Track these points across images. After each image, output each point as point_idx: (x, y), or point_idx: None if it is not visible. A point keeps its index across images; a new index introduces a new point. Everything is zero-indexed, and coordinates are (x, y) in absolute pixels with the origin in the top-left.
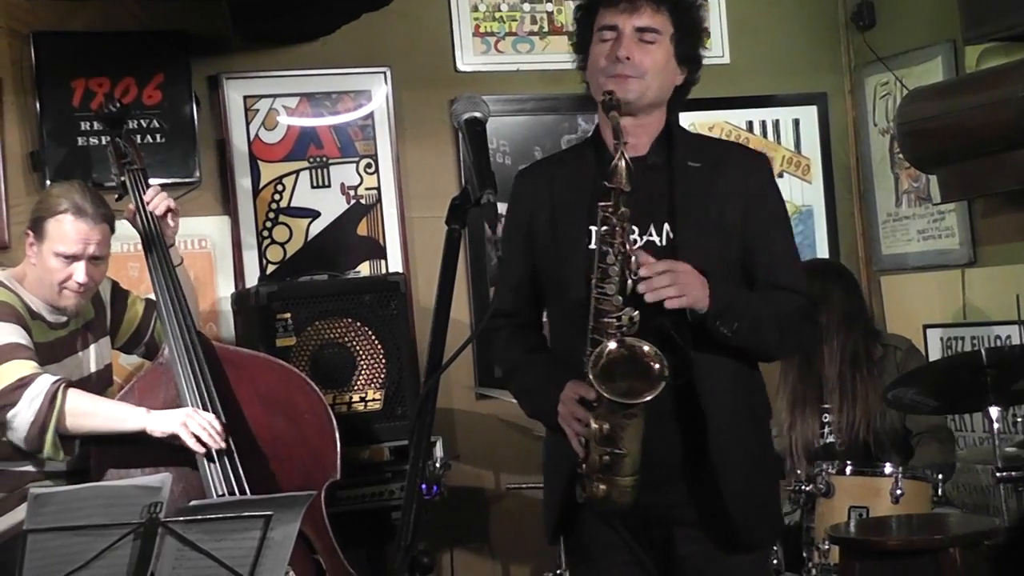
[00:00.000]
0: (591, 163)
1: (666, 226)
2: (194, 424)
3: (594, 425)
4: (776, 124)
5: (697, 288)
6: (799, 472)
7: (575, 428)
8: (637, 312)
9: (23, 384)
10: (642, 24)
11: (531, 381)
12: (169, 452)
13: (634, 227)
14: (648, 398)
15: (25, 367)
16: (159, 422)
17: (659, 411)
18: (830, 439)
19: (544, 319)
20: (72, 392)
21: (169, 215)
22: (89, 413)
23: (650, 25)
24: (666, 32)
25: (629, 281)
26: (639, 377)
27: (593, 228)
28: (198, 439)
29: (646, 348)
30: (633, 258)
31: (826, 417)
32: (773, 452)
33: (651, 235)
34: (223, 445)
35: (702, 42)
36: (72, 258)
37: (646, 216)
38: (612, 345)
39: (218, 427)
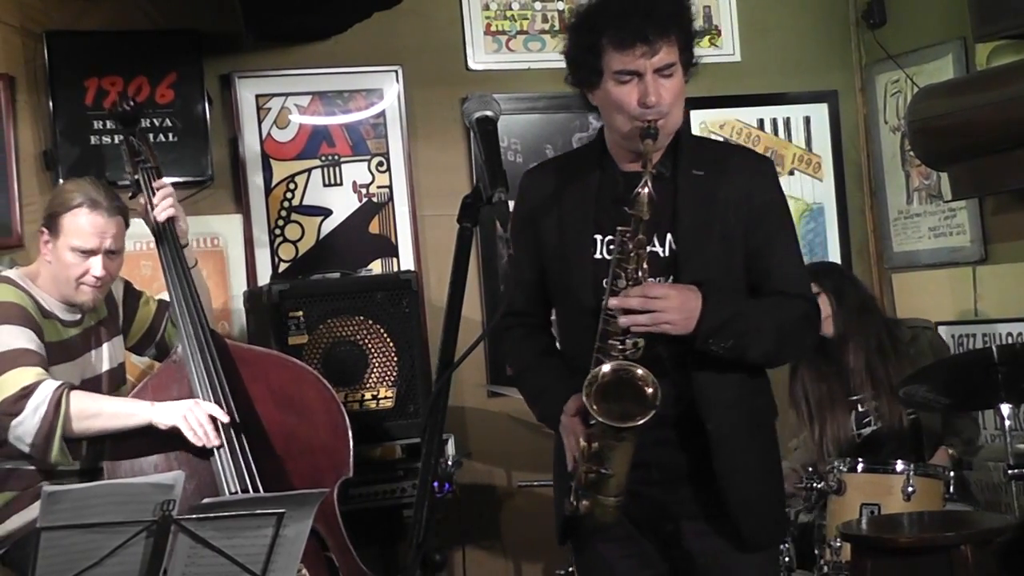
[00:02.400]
0: (596, 173)
1: (669, 237)
2: (193, 418)
3: (583, 443)
4: (787, 122)
5: (675, 316)
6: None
7: (571, 443)
8: (642, 339)
9: (26, 393)
10: (661, 64)
11: (540, 386)
12: (181, 445)
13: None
14: (638, 424)
15: (28, 375)
16: (163, 414)
17: (662, 418)
18: (873, 427)
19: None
20: (76, 395)
21: (171, 211)
22: (94, 414)
23: (668, 62)
24: (678, 57)
25: None
26: (634, 401)
27: (598, 237)
28: (196, 433)
29: (640, 372)
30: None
31: (860, 407)
32: (778, 453)
33: (654, 245)
34: (217, 443)
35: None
36: (89, 252)
37: (651, 226)
38: (607, 368)
39: (221, 418)
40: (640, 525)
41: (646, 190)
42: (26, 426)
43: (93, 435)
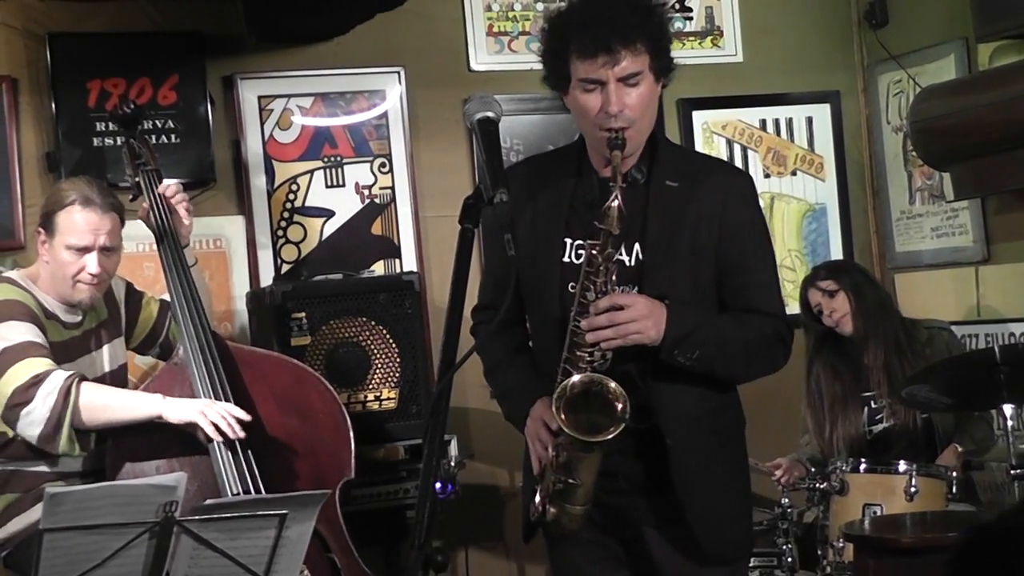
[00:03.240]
0: (574, 176)
1: (637, 246)
2: (212, 413)
3: (551, 453)
4: (789, 122)
5: (644, 324)
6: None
7: (536, 449)
8: (610, 351)
9: (37, 381)
10: (625, 74)
11: (508, 385)
12: (183, 446)
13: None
14: (607, 438)
15: (38, 364)
16: (176, 409)
17: (627, 429)
18: (885, 424)
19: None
20: (86, 385)
21: (183, 212)
22: (104, 405)
23: (632, 71)
24: (646, 66)
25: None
26: (603, 413)
27: (568, 240)
28: (216, 427)
29: (612, 386)
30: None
31: (873, 404)
32: (745, 469)
33: (621, 254)
34: (242, 435)
35: (672, 45)
36: (84, 249)
37: (619, 235)
38: (577, 379)
39: (238, 414)
40: (606, 530)
41: (616, 203)
42: (36, 414)
43: (102, 426)
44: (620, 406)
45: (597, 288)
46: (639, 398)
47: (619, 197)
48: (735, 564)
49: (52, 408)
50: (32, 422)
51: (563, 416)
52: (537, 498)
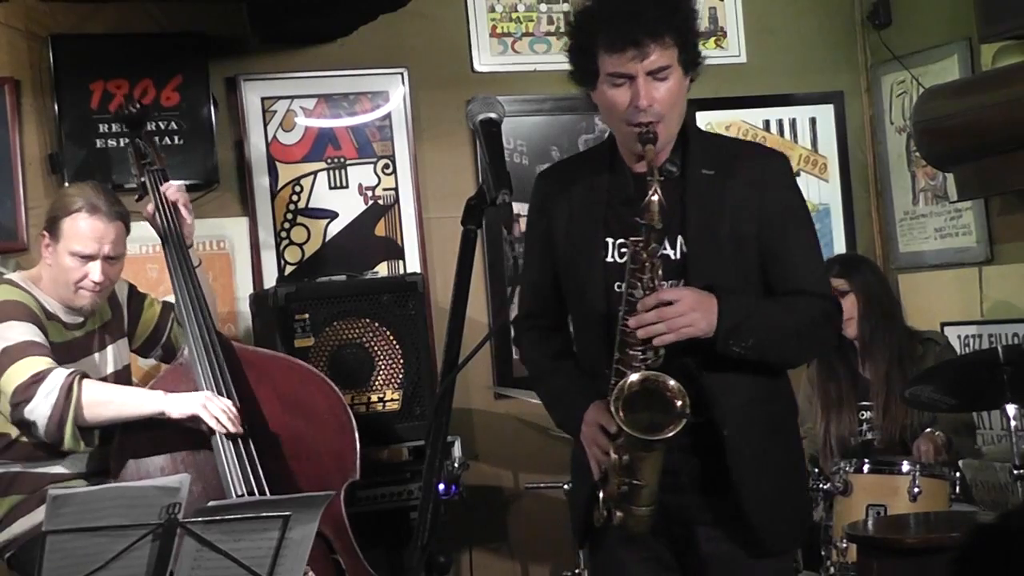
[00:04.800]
0: (607, 174)
1: (680, 239)
2: (214, 406)
3: (613, 456)
4: (793, 123)
5: (694, 316)
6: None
7: (595, 454)
8: (663, 348)
9: (38, 379)
10: (654, 67)
11: (556, 391)
12: (187, 443)
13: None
14: (669, 435)
15: (39, 363)
16: (178, 404)
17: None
18: (869, 436)
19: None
20: (88, 383)
21: (183, 210)
22: (106, 401)
23: (661, 64)
24: (675, 59)
25: None
26: (661, 410)
27: (609, 240)
28: (218, 420)
29: (670, 383)
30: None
31: (864, 415)
32: (800, 457)
33: (665, 248)
34: (241, 430)
35: (700, 40)
36: (88, 257)
37: (661, 229)
38: (635, 378)
39: (236, 411)
40: (656, 530)
41: (656, 197)
42: (39, 411)
43: (105, 423)
44: (680, 402)
45: (644, 285)
46: (694, 392)
47: (658, 191)
48: (786, 555)
49: (54, 406)
50: (36, 419)
51: (623, 416)
52: (602, 505)
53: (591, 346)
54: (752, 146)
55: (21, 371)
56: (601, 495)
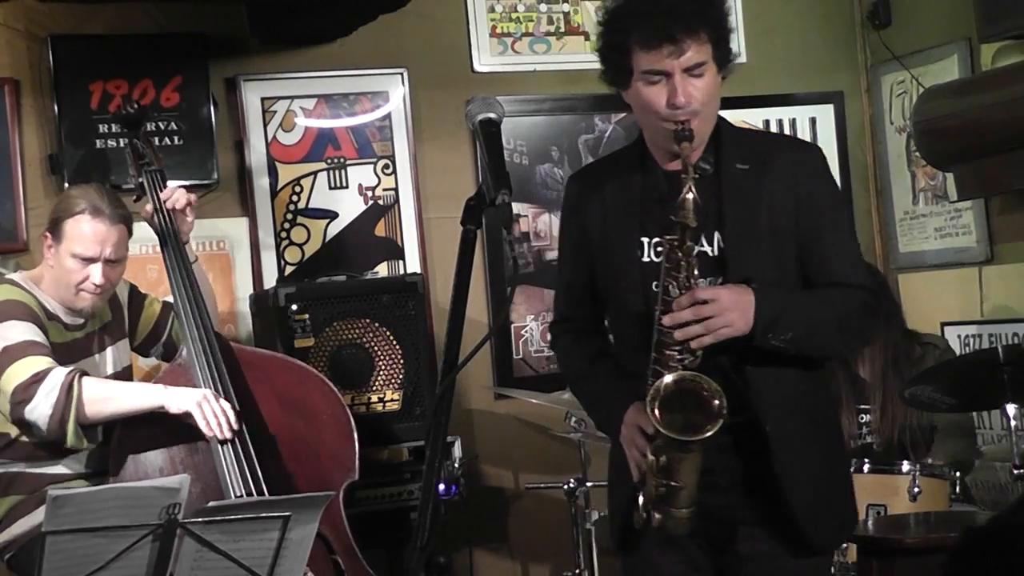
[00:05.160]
0: (639, 174)
1: (717, 235)
2: (207, 408)
3: (651, 457)
4: (793, 123)
5: (731, 316)
6: None
7: (634, 456)
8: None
9: (38, 379)
10: (690, 64)
11: (594, 393)
12: (187, 441)
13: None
14: (705, 436)
15: (39, 362)
16: (176, 399)
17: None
18: (868, 439)
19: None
20: (87, 380)
21: (188, 209)
22: (107, 398)
23: (697, 61)
24: (709, 56)
25: None
26: (698, 411)
27: (645, 240)
28: (208, 423)
29: (707, 383)
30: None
31: (863, 417)
32: (843, 449)
33: (702, 245)
34: (229, 436)
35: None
36: (89, 260)
37: (697, 227)
38: (671, 379)
39: (232, 416)
40: (694, 531)
41: (691, 195)
42: (39, 411)
43: (107, 419)
44: (717, 402)
45: (680, 284)
46: (734, 391)
47: (692, 188)
48: (830, 553)
49: (55, 405)
50: (37, 419)
51: (658, 417)
52: (641, 508)
53: (629, 347)
54: (786, 139)
55: (21, 371)
56: (640, 497)
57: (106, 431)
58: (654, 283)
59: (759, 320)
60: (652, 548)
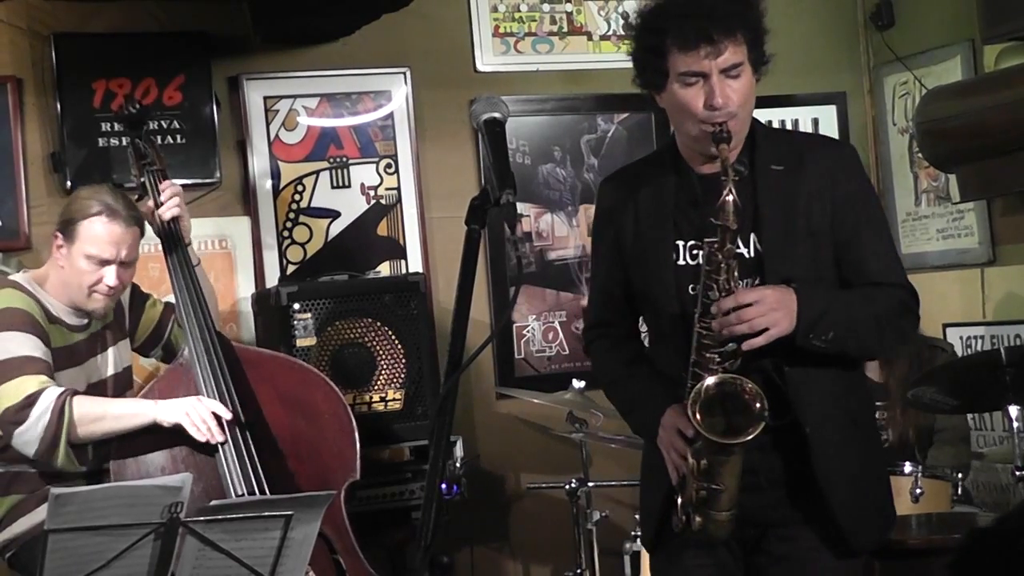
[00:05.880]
0: (672, 177)
1: (753, 237)
2: (195, 414)
3: (691, 460)
4: (795, 124)
5: (776, 315)
6: None
7: (673, 459)
8: (740, 348)
9: (30, 402)
10: (727, 65)
11: (632, 397)
12: (188, 442)
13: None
14: (747, 439)
15: (32, 383)
16: (166, 412)
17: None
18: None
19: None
20: (79, 400)
21: (179, 208)
22: (98, 417)
23: (734, 62)
24: (746, 57)
25: None
26: (739, 413)
27: (680, 243)
28: (199, 429)
29: (747, 386)
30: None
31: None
32: (881, 449)
33: (739, 247)
34: (222, 438)
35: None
36: (104, 262)
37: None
38: (712, 381)
39: (224, 414)
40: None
41: (731, 198)
42: (30, 434)
43: (99, 438)
44: (758, 405)
45: (720, 286)
46: (774, 392)
47: (733, 190)
48: (865, 554)
49: (46, 428)
50: (27, 442)
51: (699, 420)
52: (680, 511)
53: (667, 350)
54: (820, 138)
55: (13, 392)
56: (679, 500)
57: (96, 450)
58: (690, 286)
59: (802, 319)
60: (682, 551)
